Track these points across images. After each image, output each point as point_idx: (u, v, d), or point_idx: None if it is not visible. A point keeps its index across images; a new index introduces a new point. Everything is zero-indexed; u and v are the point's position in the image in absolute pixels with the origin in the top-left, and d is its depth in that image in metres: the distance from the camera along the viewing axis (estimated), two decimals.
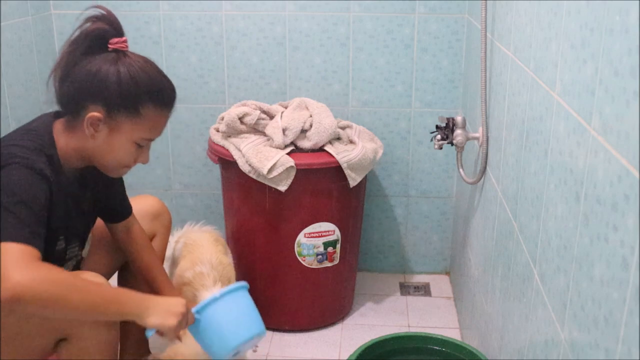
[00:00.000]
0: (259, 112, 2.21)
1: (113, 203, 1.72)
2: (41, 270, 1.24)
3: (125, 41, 1.44)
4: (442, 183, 2.60)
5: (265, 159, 2.04)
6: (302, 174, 2.08)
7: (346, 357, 1.66)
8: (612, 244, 0.84)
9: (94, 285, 1.34)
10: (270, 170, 2.02)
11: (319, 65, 2.47)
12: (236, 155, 2.11)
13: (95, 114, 1.39)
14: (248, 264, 2.28)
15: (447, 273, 2.72)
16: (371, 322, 2.39)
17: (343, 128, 2.30)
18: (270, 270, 2.24)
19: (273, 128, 2.14)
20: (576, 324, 0.98)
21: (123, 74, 1.39)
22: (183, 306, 1.43)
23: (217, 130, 2.27)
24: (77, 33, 1.42)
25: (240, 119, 2.18)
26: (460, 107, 2.48)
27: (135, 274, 1.79)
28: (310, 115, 2.19)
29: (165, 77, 1.49)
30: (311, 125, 2.15)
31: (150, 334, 1.43)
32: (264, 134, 2.20)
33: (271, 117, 2.23)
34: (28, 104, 2.28)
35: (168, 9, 2.45)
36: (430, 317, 2.41)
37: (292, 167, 2.05)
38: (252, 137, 2.18)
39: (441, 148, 1.99)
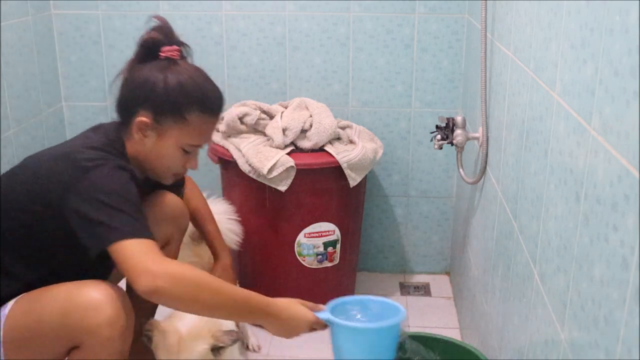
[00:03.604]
0: (259, 112, 2.21)
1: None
2: (174, 265, 1.28)
3: (176, 50, 1.49)
4: (442, 183, 2.60)
5: (265, 159, 2.04)
6: (302, 174, 2.08)
7: None
8: (612, 244, 0.84)
9: (225, 286, 1.34)
10: (270, 170, 2.02)
11: (319, 65, 2.47)
12: (236, 155, 2.11)
13: (143, 119, 1.44)
14: (248, 263, 2.28)
15: (447, 273, 2.72)
16: None
17: (343, 128, 2.30)
18: (270, 270, 2.25)
19: (273, 128, 2.14)
20: (576, 324, 0.98)
21: (170, 80, 1.44)
22: (307, 326, 1.38)
23: (217, 130, 2.27)
24: (137, 46, 1.49)
25: (240, 119, 2.18)
26: (460, 107, 2.48)
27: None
28: (310, 115, 2.19)
29: (213, 84, 1.52)
30: (311, 125, 2.15)
31: None
32: (264, 134, 2.20)
33: (271, 117, 2.23)
34: (28, 104, 2.28)
35: (168, 9, 2.45)
36: (430, 317, 2.41)
37: (292, 167, 2.05)
38: (252, 137, 2.18)
39: (441, 148, 1.99)
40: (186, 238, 2.03)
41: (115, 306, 1.35)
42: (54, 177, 1.38)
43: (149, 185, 1.76)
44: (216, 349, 1.54)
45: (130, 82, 1.47)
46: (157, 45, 1.48)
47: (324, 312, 1.39)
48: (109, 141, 1.47)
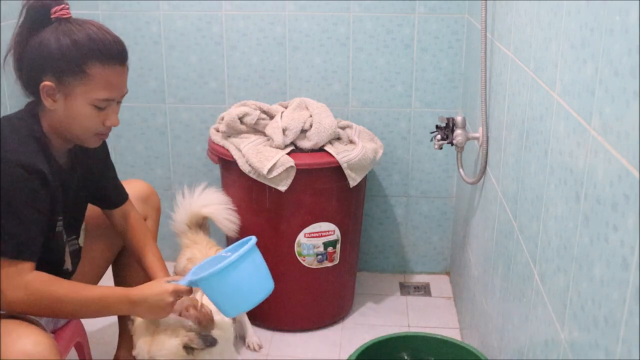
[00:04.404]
0: (259, 112, 2.21)
1: (106, 190, 1.75)
2: (29, 288, 1.36)
3: (65, 7, 1.46)
4: (442, 183, 2.60)
5: (265, 159, 2.04)
6: (302, 174, 2.08)
7: (346, 357, 1.66)
8: (612, 244, 0.84)
9: (83, 292, 1.44)
10: (270, 170, 2.02)
11: (319, 65, 2.47)
12: (236, 155, 2.11)
13: (47, 83, 1.42)
14: None
15: (447, 273, 2.72)
16: (371, 322, 2.38)
17: (343, 128, 2.30)
18: (270, 270, 2.24)
19: (273, 128, 2.14)
20: (576, 324, 0.98)
21: (62, 39, 1.41)
22: (169, 295, 1.48)
23: (217, 130, 2.27)
24: (22, 14, 1.46)
25: (240, 119, 2.18)
26: (460, 107, 2.48)
27: (132, 258, 1.83)
28: (310, 115, 2.19)
29: (108, 33, 1.47)
30: (311, 125, 2.15)
31: None
32: (264, 134, 2.20)
33: (271, 117, 2.23)
34: None
35: (168, 9, 2.45)
36: (430, 317, 2.41)
37: (292, 167, 2.05)
38: (252, 137, 2.18)
39: (441, 148, 1.99)
40: (182, 226, 2.05)
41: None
42: None
43: (92, 199, 1.75)
44: (189, 347, 1.55)
45: (28, 54, 1.44)
46: (47, 8, 1.44)
47: (184, 278, 1.50)
48: (25, 123, 1.45)
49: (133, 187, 1.88)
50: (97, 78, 1.43)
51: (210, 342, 1.56)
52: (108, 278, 1.89)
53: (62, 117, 1.46)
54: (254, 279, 1.49)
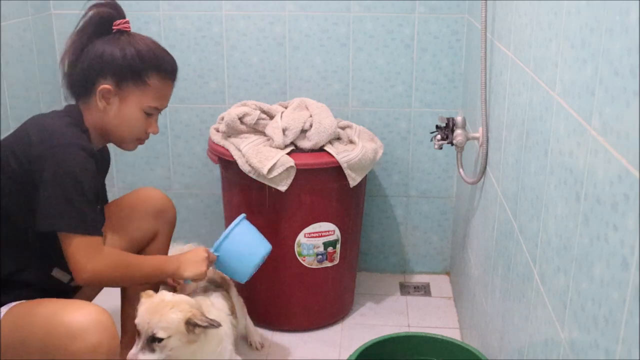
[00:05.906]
0: (259, 112, 2.21)
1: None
2: (106, 259, 1.51)
3: (127, 22, 1.61)
4: (442, 183, 2.60)
5: (265, 159, 2.04)
6: (302, 174, 2.08)
7: (346, 357, 1.66)
8: (612, 244, 0.84)
9: (144, 259, 1.67)
10: (270, 170, 2.02)
11: (319, 65, 2.47)
12: (236, 155, 2.11)
13: (106, 86, 1.55)
14: None
15: (447, 273, 2.72)
16: (371, 322, 2.39)
17: (343, 128, 2.30)
18: (270, 270, 2.24)
19: (273, 128, 2.14)
20: (576, 324, 0.98)
21: (127, 48, 1.56)
22: (204, 251, 1.71)
23: (217, 130, 2.27)
24: (82, 22, 1.56)
25: (240, 119, 2.18)
26: (460, 107, 2.48)
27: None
28: (310, 115, 2.19)
29: (165, 50, 1.64)
30: (311, 125, 2.15)
31: (189, 281, 1.73)
32: (264, 134, 2.20)
33: (271, 117, 2.23)
34: (28, 104, 2.28)
35: (168, 9, 2.45)
36: (430, 317, 2.41)
37: (292, 167, 2.05)
38: (252, 137, 2.18)
39: (441, 148, 1.99)
40: None
41: (98, 332, 1.36)
42: (26, 139, 1.48)
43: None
44: (191, 324, 1.56)
45: (87, 57, 1.55)
46: (110, 19, 1.58)
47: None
48: (71, 115, 1.56)
49: (146, 199, 1.87)
50: (152, 88, 1.59)
51: (215, 325, 1.60)
52: None
53: (112, 118, 1.59)
54: (251, 240, 1.84)
